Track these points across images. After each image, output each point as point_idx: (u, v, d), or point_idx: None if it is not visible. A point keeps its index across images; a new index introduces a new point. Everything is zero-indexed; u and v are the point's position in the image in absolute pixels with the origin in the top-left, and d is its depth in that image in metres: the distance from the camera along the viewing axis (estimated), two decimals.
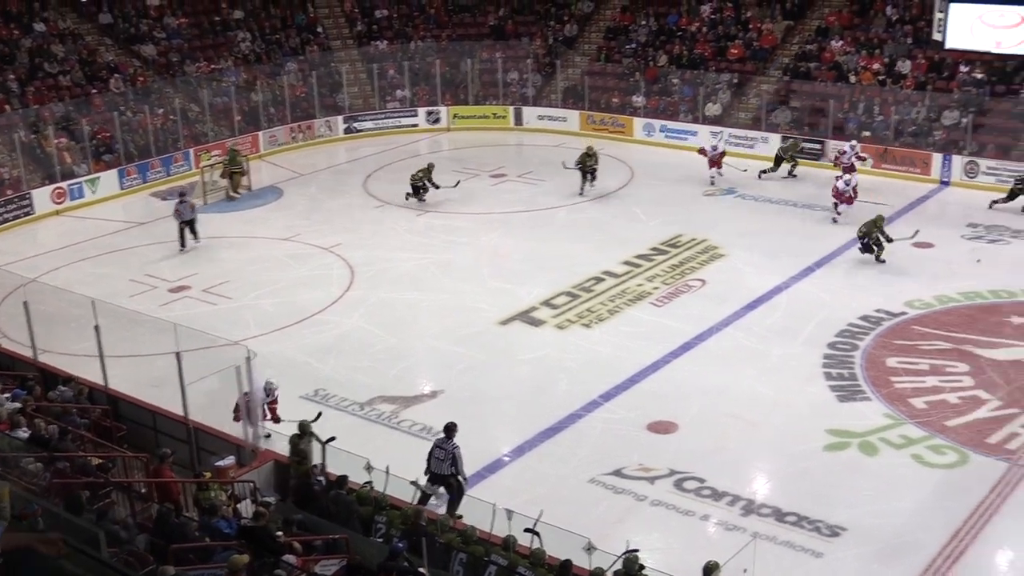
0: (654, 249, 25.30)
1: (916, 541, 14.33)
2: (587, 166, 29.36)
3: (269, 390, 16.54)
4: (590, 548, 12.15)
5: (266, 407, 16.46)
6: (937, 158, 30.64)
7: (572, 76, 38.85)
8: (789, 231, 26.70)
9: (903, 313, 21.42)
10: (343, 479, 13.97)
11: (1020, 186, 27.20)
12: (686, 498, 15.41)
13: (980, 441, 16.78)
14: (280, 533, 12.23)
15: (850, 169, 28.40)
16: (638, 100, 36.63)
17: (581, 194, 29.26)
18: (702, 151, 30.76)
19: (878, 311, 21.45)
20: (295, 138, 36.18)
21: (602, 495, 15.53)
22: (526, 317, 21.76)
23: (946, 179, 30.27)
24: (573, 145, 34.87)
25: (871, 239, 23.80)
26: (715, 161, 30.32)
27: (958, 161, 30.34)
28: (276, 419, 16.57)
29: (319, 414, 15.88)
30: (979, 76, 32.29)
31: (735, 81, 35.90)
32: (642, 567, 11.85)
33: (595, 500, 15.37)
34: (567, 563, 11.94)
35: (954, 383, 18.65)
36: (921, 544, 14.23)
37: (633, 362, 19.55)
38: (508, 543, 12.54)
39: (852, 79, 34.13)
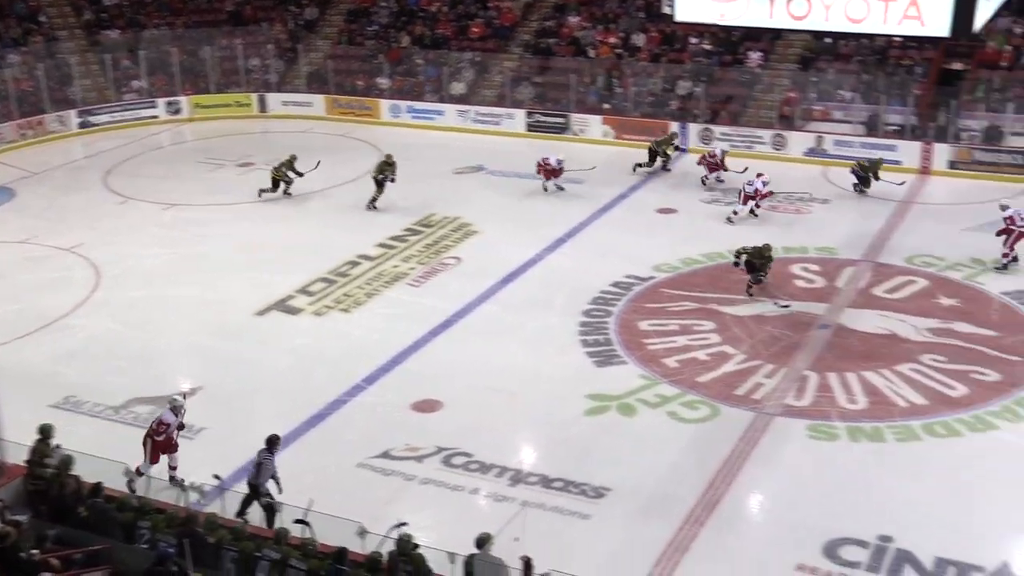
0: (408, 230, 25.36)
1: (676, 494, 14.95)
2: (385, 176, 26.82)
3: (177, 408, 15.23)
4: (363, 532, 12.12)
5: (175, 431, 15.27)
6: (674, 126, 31.92)
7: (315, 60, 38.35)
8: (539, 204, 27.28)
9: (652, 277, 22.27)
10: (98, 487, 13.38)
11: (862, 172, 27.29)
12: (455, 474, 15.55)
13: (729, 394, 17.66)
14: (35, 551, 11.63)
15: (716, 167, 28.12)
16: (383, 82, 36.54)
17: (372, 207, 26.74)
18: (546, 165, 27.71)
19: (628, 277, 22.21)
20: (24, 135, 34.16)
21: (371, 478, 15.48)
22: (283, 306, 21.40)
23: (684, 146, 31.57)
24: (321, 130, 34.64)
25: (757, 267, 21.25)
26: (554, 173, 27.75)
27: (694, 128, 31.74)
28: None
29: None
30: (708, 47, 33.87)
31: (478, 60, 36.29)
32: (416, 545, 11.89)
33: (365, 484, 15.30)
34: (342, 551, 11.81)
35: (702, 341, 19.53)
36: (680, 496, 14.86)
37: (394, 344, 19.55)
38: (280, 536, 12.34)
39: (591, 53, 35.11)
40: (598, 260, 23.28)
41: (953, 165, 29.19)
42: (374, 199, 26.79)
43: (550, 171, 27.85)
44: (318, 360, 19.26)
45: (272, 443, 14.30)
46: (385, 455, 16.00)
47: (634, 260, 23.01)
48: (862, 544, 13.76)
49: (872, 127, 30.70)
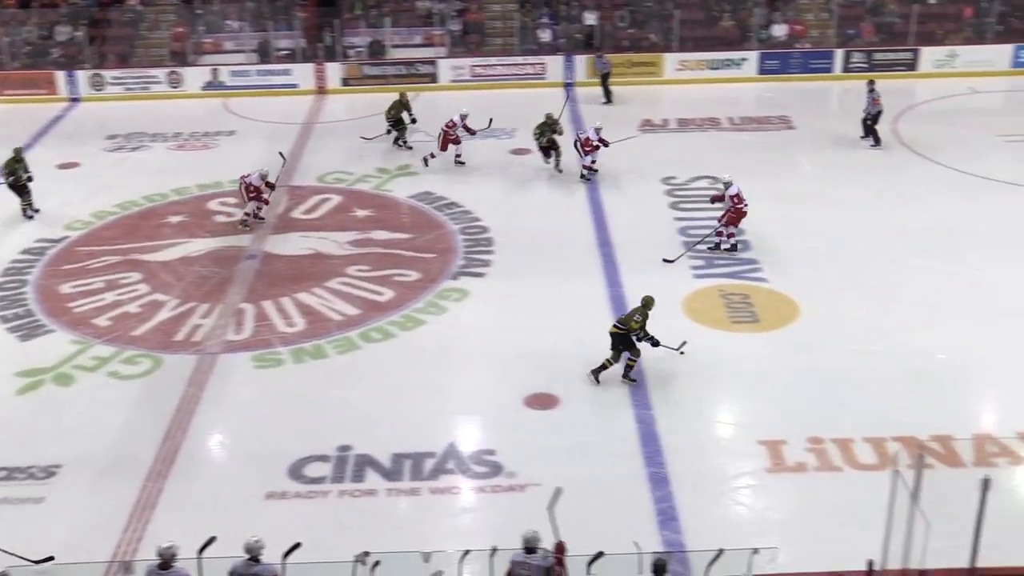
0: None
1: (133, 453, 14.48)
2: (19, 176, 21.77)
3: None
4: None
5: None
6: (61, 76, 30.21)
7: None
8: None
9: (65, 237, 21.13)
10: None
11: (544, 138, 23.49)
12: None
13: (168, 342, 17.32)
14: None
15: (455, 141, 24.03)
16: None
17: (31, 216, 21.95)
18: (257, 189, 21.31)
19: (39, 241, 20.91)
20: None
21: None
22: None
23: (75, 95, 30.04)
24: None
25: (641, 337, 15.52)
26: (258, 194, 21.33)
27: (83, 76, 30.22)
28: None
29: None
30: None
31: None
32: None
33: None
34: None
35: (131, 293, 18.91)
36: (138, 455, 14.42)
37: None
38: None
39: None
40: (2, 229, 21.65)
41: (346, 82, 30.41)
42: (28, 204, 22.01)
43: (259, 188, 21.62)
44: None
45: None
46: None
47: (41, 222, 21.69)
48: (324, 459, 14.22)
49: (265, 54, 31.09)
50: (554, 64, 30.40)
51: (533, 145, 23.84)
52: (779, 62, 30.75)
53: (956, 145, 24.82)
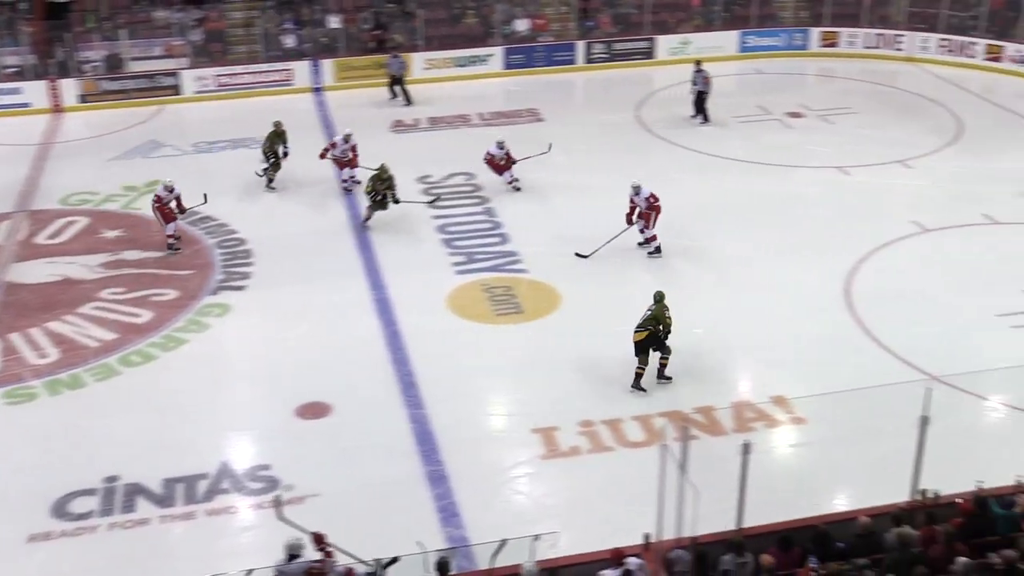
0: None
1: None
2: None
3: None
4: None
5: None
6: None
7: None
8: None
9: None
10: None
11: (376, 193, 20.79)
12: None
13: None
14: None
15: (350, 164, 22.51)
16: None
17: None
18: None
19: None
20: None
21: None
22: None
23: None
24: None
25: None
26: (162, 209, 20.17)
27: None
28: None
29: None
30: None
31: None
32: None
33: None
34: None
35: None
36: None
37: None
38: None
39: None
40: None
41: (84, 99, 29.11)
42: None
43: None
44: None
45: None
46: None
47: None
48: (90, 492, 13.60)
49: None
50: (301, 70, 30.07)
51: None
52: (524, 56, 31.43)
53: (695, 128, 26.08)
